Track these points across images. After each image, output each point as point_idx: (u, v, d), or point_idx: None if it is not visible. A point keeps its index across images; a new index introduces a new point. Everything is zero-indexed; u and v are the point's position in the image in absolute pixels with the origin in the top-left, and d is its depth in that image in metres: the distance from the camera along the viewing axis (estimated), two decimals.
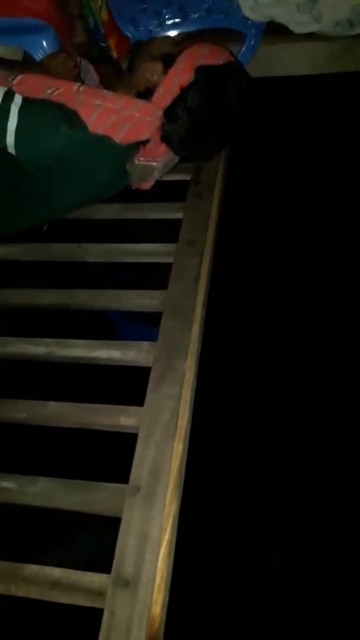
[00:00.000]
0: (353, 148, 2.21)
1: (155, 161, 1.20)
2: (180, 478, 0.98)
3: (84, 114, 1.08)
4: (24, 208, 1.31)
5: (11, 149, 1.09)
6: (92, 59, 1.48)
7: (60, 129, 1.06)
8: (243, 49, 1.74)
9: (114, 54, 1.68)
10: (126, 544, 0.92)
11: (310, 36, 1.69)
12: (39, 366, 1.27)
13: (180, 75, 1.08)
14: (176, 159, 1.32)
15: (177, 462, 0.99)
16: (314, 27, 1.64)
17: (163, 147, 1.19)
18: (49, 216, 1.39)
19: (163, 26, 1.75)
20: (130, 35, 1.76)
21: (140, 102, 1.11)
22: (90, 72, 1.53)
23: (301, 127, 2.22)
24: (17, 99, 1.06)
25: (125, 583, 0.88)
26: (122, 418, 1.09)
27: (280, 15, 1.65)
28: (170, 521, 0.93)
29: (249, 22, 1.71)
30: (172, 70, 1.10)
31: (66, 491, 1.01)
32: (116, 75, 1.24)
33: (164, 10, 1.72)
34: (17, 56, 1.50)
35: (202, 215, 1.45)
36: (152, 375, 1.13)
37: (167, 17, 1.73)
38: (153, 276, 1.56)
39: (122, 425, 1.09)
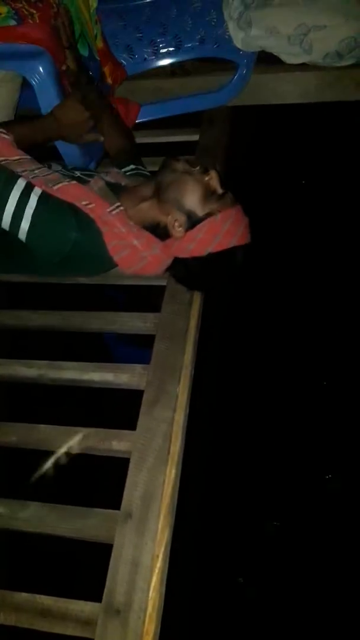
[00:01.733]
0: (340, 172, 2.26)
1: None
2: (172, 504, 0.98)
3: (108, 236, 1.15)
4: (10, 267, 1.35)
5: (22, 238, 1.13)
6: (79, 86, 1.51)
7: (71, 237, 1.11)
8: (235, 77, 1.79)
9: (109, 80, 1.72)
10: (117, 571, 0.91)
11: (301, 67, 1.74)
12: (31, 388, 1.26)
13: (195, 245, 1.16)
14: None
15: (169, 488, 0.98)
16: (304, 58, 1.69)
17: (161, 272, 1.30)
18: (30, 274, 1.45)
19: (157, 54, 1.80)
20: (125, 63, 1.81)
21: (157, 248, 1.19)
22: None
23: (290, 153, 2.27)
24: (32, 202, 1.10)
25: (116, 612, 0.87)
26: (115, 442, 1.09)
27: (272, 46, 1.70)
28: (163, 548, 0.92)
29: (241, 52, 1.75)
30: (191, 235, 1.17)
31: (58, 517, 1.01)
32: (143, 185, 1.28)
33: (159, 39, 1.77)
34: (16, 81, 1.53)
35: None
36: (145, 399, 1.13)
37: (161, 45, 1.78)
38: (146, 297, 1.57)
39: (114, 450, 1.08)
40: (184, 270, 1.22)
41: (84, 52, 1.58)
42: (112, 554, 0.92)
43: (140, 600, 0.87)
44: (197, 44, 1.75)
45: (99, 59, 1.67)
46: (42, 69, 1.36)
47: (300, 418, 2.17)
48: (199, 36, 1.74)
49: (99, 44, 1.66)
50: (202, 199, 1.17)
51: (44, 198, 1.11)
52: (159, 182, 1.22)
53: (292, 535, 2.00)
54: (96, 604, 0.89)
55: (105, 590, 0.89)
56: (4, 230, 1.13)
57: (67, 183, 1.17)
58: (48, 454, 1.14)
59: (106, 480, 1.16)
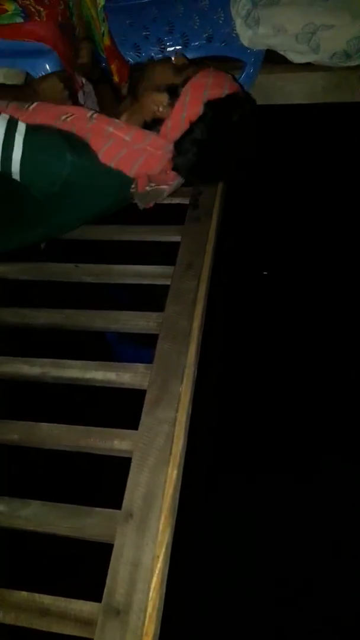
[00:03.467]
0: (346, 175, 2.25)
1: (166, 184, 1.22)
2: (174, 505, 0.97)
3: (95, 144, 1.09)
4: (21, 227, 1.31)
5: (16, 176, 1.09)
6: (94, 80, 1.51)
7: (66, 158, 1.07)
8: (242, 76, 1.78)
9: (116, 78, 1.71)
10: (118, 571, 0.90)
11: (308, 66, 1.74)
12: (33, 386, 1.26)
13: (188, 108, 1.10)
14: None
15: (170, 488, 0.98)
16: (311, 57, 1.68)
17: (173, 174, 1.21)
18: (46, 236, 1.40)
19: (164, 53, 1.79)
20: (131, 61, 1.80)
21: (151, 136, 1.13)
22: (92, 93, 1.56)
23: (297, 154, 2.26)
24: (21, 128, 1.07)
25: (116, 612, 0.86)
26: (116, 442, 1.08)
27: (279, 44, 1.69)
28: (163, 549, 0.91)
29: (249, 51, 1.75)
30: (179, 104, 1.11)
31: (58, 515, 1.00)
32: (116, 98, 1.25)
33: (166, 38, 1.76)
34: (20, 78, 1.53)
35: (200, 238, 1.45)
36: (147, 399, 1.12)
37: (168, 44, 1.77)
38: (149, 296, 1.57)
39: (115, 449, 1.07)
40: (192, 146, 1.12)
41: None
42: (113, 554, 0.92)
43: (140, 600, 0.86)
44: (205, 42, 1.74)
45: (105, 56, 1.66)
46: (49, 67, 1.37)
47: (303, 418, 2.16)
48: (206, 34, 1.73)
49: (106, 41, 1.66)
50: (174, 71, 1.14)
51: (31, 126, 1.07)
52: (130, 85, 1.20)
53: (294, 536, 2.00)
54: (96, 604, 0.88)
55: (105, 590, 0.88)
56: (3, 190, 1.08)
57: (41, 102, 1.13)
58: (49, 452, 1.13)
59: (107, 479, 1.16)
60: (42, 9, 1.36)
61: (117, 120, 1.14)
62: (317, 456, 2.09)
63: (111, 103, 1.24)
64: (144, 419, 1.09)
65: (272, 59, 1.75)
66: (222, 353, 2.03)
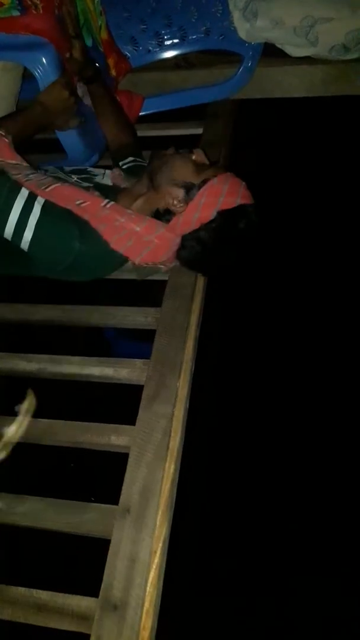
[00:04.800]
0: (346, 167, 2.24)
1: (165, 265, 1.28)
2: (171, 500, 0.97)
3: (106, 233, 1.14)
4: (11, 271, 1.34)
5: (25, 249, 1.13)
6: (87, 78, 1.50)
7: (74, 246, 1.11)
8: (240, 70, 1.77)
9: (113, 72, 1.70)
10: (115, 566, 0.90)
11: (306, 60, 1.73)
12: (31, 382, 1.26)
13: (201, 211, 1.15)
14: None
15: (168, 483, 0.98)
16: (310, 51, 1.67)
17: (173, 258, 1.26)
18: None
19: (162, 46, 1.78)
20: (129, 55, 1.79)
21: (160, 229, 1.18)
22: (86, 95, 1.55)
23: (296, 145, 2.25)
24: (36, 210, 1.09)
25: (113, 607, 0.86)
26: (114, 437, 1.08)
27: (277, 37, 1.68)
28: (161, 544, 0.91)
29: (247, 45, 1.73)
30: (193, 204, 1.16)
31: (55, 511, 1.00)
32: (137, 183, 1.27)
33: (163, 31, 1.75)
34: (18, 71, 1.52)
35: None
36: (145, 394, 1.12)
37: (166, 37, 1.76)
38: (147, 292, 1.56)
39: (113, 445, 1.08)
40: (196, 245, 1.18)
41: (88, 43, 1.57)
42: (110, 549, 0.92)
43: (138, 595, 0.87)
44: (202, 35, 1.73)
45: (103, 50, 1.65)
46: (45, 61, 1.35)
47: (301, 414, 2.16)
48: (204, 28, 1.72)
49: (103, 35, 1.64)
50: (194, 169, 1.18)
51: (47, 207, 1.11)
52: (149, 171, 1.23)
53: (293, 535, 2.00)
54: (93, 599, 0.88)
55: (103, 585, 0.88)
56: (5, 240, 1.12)
57: (60, 184, 1.16)
58: (47, 447, 1.13)
59: (105, 474, 1.16)
60: (38, 2, 1.35)
61: (129, 211, 1.18)
62: (319, 446, 2.09)
63: (134, 189, 1.26)
64: (142, 414, 1.09)
65: (271, 53, 1.74)
66: (220, 348, 2.03)
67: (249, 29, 1.68)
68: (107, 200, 1.18)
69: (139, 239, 1.17)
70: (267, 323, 2.28)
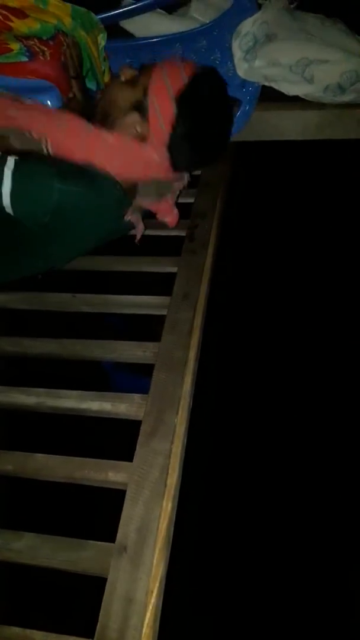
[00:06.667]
0: (338, 210, 2.30)
1: (176, 183, 1.27)
2: (168, 538, 0.97)
3: (90, 149, 1.13)
4: (17, 258, 1.34)
5: (9, 210, 1.12)
6: (86, 116, 1.56)
7: (54, 186, 1.09)
8: (238, 114, 1.84)
9: None
10: (111, 606, 0.89)
11: (302, 103, 1.79)
12: (29, 416, 1.26)
13: (162, 114, 1.12)
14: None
15: (165, 522, 0.97)
16: (305, 89, 1.73)
17: (175, 174, 1.23)
18: (45, 267, 1.42)
19: None
20: None
21: (146, 149, 1.16)
22: None
23: (290, 189, 2.31)
24: (10, 163, 1.10)
25: None
26: (111, 473, 1.08)
27: (274, 75, 1.73)
28: (157, 583, 0.91)
29: (244, 90, 1.80)
30: (152, 114, 1.13)
31: (52, 548, 0.99)
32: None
33: None
34: None
35: (196, 270, 1.48)
36: (143, 430, 1.13)
37: None
38: (145, 325, 1.58)
39: (110, 481, 1.07)
40: (183, 142, 1.15)
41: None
42: (106, 589, 0.91)
43: (134, 637, 0.85)
44: None
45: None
46: (50, 103, 1.40)
47: (301, 451, 2.16)
48: None
49: (107, 78, 1.71)
50: (131, 88, 1.17)
51: (20, 159, 1.11)
52: (100, 119, 1.21)
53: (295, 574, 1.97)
54: None
55: (98, 626, 0.87)
56: None
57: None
58: (44, 483, 1.13)
59: (101, 511, 1.15)
60: (45, 49, 1.41)
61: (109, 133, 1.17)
62: (321, 477, 2.07)
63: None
64: (139, 450, 1.09)
65: (268, 97, 1.81)
66: (218, 383, 2.04)
67: (247, 68, 1.75)
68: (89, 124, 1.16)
69: (126, 154, 1.15)
70: (266, 359, 2.30)
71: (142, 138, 1.16)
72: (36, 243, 1.25)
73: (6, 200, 1.10)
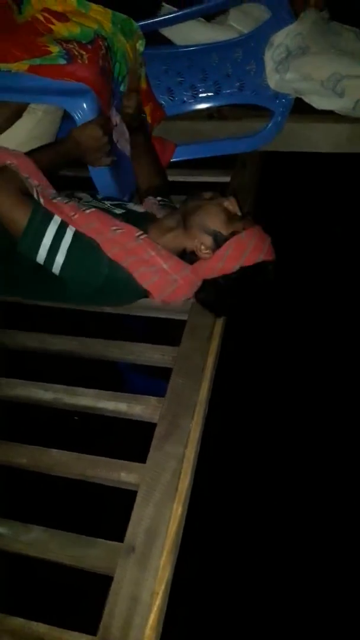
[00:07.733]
0: None
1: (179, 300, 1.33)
2: (176, 542, 0.97)
3: (134, 265, 1.19)
4: (41, 296, 1.41)
5: (56, 273, 1.19)
6: (134, 128, 1.62)
7: (103, 271, 1.18)
8: (270, 124, 1.85)
9: (148, 119, 1.78)
10: (115, 605, 0.89)
11: (333, 117, 1.79)
12: (46, 410, 1.28)
13: (225, 262, 1.21)
14: None
15: (174, 525, 0.98)
16: (336, 103, 1.73)
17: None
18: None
19: (196, 98, 1.87)
20: (164, 104, 1.88)
21: (186, 270, 1.23)
22: (125, 132, 1.63)
23: (318, 200, 2.30)
24: (68, 236, 1.16)
25: None
26: (123, 474, 1.08)
27: (305, 89, 1.75)
28: (163, 586, 0.91)
29: (277, 101, 1.81)
30: (219, 253, 1.21)
31: (60, 543, 1.00)
32: (170, 216, 1.33)
33: (199, 84, 1.85)
34: (58, 114, 1.60)
35: None
36: (157, 432, 1.13)
37: (201, 90, 1.86)
38: (163, 330, 1.59)
39: (122, 482, 1.08)
40: (214, 291, 1.25)
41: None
42: (112, 588, 0.91)
43: (136, 637, 0.86)
44: (236, 90, 1.82)
45: (141, 99, 1.74)
46: (86, 106, 1.42)
47: (317, 464, 2.13)
48: (239, 83, 1.81)
49: (143, 84, 1.74)
50: (225, 220, 1.23)
51: (77, 235, 1.17)
52: (183, 211, 1.28)
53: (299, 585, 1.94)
54: (91, 637, 0.87)
55: (102, 624, 0.88)
56: (38, 265, 1.17)
57: (96, 210, 1.23)
58: (56, 478, 1.14)
59: (112, 510, 1.15)
60: (84, 53, 1.44)
61: (159, 247, 1.23)
62: (335, 486, 2.04)
63: (166, 226, 1.31)
64: (153, 453, 1.09)
65: (301, 109, 1.82)
66: (234, 392, 2.03)
67: (279, 80, 1.76)
68: (141, 232, 1.23)
69: (165, 276, 1.22)
70: (285, 369, 2.28)
71: (192, 260, 1.24)
72: (69, 296, 1.32)
73: (56, 270, 1.17)
